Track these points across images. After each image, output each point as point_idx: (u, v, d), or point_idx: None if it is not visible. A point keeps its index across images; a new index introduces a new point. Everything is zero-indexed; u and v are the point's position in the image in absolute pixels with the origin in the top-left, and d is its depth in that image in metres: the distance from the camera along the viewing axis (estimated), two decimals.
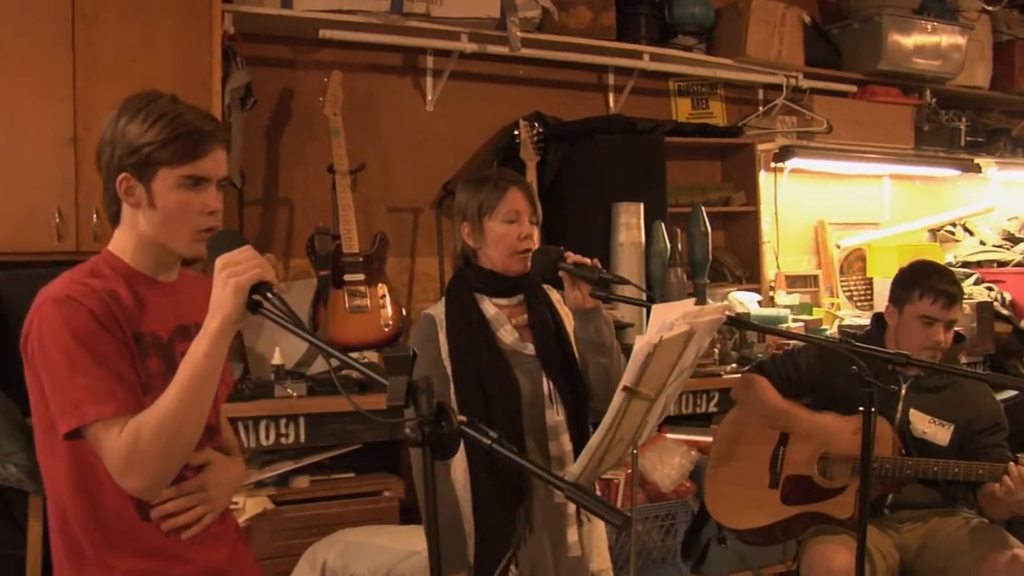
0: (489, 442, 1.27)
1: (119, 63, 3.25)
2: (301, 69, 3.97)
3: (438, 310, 2.46)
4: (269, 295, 1.61)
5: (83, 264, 1.83)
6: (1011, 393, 3.85)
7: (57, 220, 3.16)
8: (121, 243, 1.85)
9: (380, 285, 3.70)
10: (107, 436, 1.63)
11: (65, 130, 3.18)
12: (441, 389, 2.36)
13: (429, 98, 4.21)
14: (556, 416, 2.38)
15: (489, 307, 2.44)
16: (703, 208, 4.20)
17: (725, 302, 4.16)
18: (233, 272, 1.61)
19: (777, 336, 3.07)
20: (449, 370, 2.37)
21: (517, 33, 3.90)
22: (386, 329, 3.65)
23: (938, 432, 2.92)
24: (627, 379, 1.73)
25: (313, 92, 3.88)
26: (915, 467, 2.78)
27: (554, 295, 2.59)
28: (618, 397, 1.74)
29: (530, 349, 2.42)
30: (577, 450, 2.35)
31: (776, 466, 2.97)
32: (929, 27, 4.94)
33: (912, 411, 2.93)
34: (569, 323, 2.54)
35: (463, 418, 1.31)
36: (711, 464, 3.12)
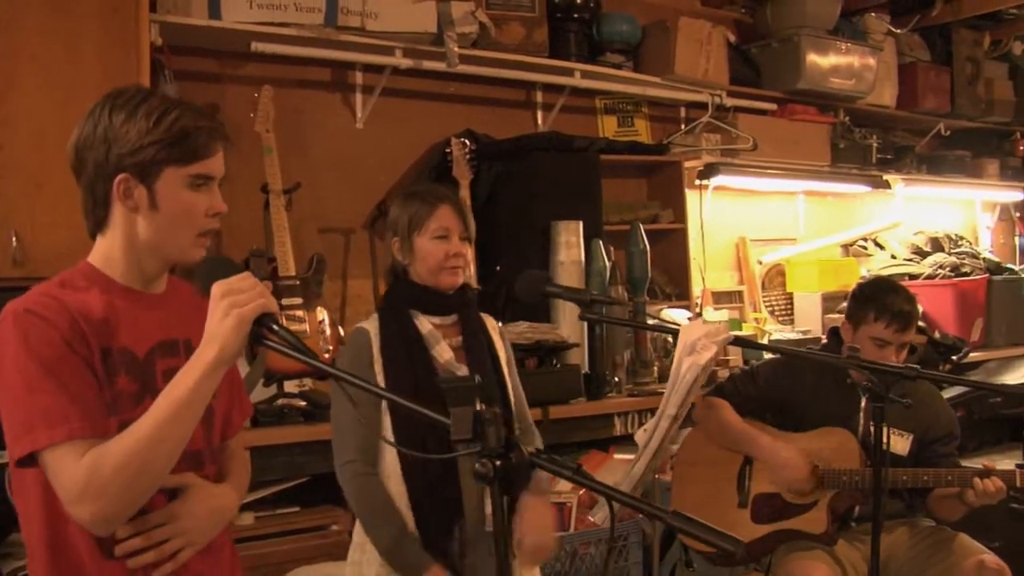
0: (570, 473, 1.17)
1: (39, 74, 3.00)
2: (228, 83, 3.78)
3: (372, 324, 2.40)
4: (275, 327, 1.50)
5: (56, 276, 1.67)
6: (957, 391, 3.95)
7: None
8: (104, 252, 1.70)
9: (319, 309, 3.54)
10: (61, 462, 1.49)
11: None
12: (373, 408, 2.28)
13: (359, 115, 4.08)
14: None
15: (424, 323, 2.39)
16: (640, 226, 4.18)
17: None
18: (235, 302, 1.49)
19: (776, 352, 3.05)
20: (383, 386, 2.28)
21: (455, 48, 3.81)
22: (326, 355, 3.50)
23: (898, 442, 2.95)
24: (675, 406, 1.66)
25: (241, 107, 3.70)
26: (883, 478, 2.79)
27: (490, 322, 2.57)
28: (666, 422, 1.67)
29: (464, 371, 2.36)
30: None
31: (744, 484, 2.95)
32: (844, 47, 5.07)
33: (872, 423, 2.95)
34: (502, 352, 2.53)
35: (532, 449, 1.20)
36: (675, 485, 3.07)
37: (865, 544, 2.94)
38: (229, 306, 1.49)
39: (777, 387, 3.03)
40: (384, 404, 2.29)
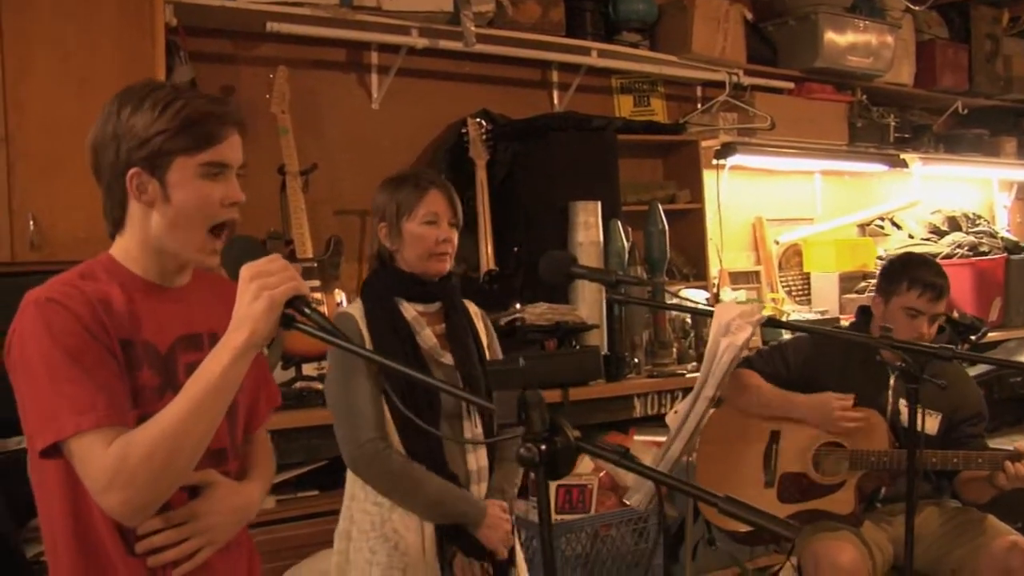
0: (617, 457, 1.15)
1: (53, 57, 2.98)
2: (243, 65, 3.74)
3: (355, 309, 2.37)
4: (306, 309, 1.45)
5: (75, 267, 1.63)
6: (977, 371, 3.91)
7: None
8: (124, 249, 1.65)
9: (336, 291, 3.52)
10: (89, 450, 1.45)
11: None
12: (374, 392, 2.27)
13: (375, 95, 4.04)
14: (475, 428, 2.35)
15: (408, 309, 2.36)
16: (659, 206, 4.14)
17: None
18: (265, 284, 1.44)
19: (810, 333, 3.01)
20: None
21: (471, 28, 3.76)
22: None
23: (928, 422, 2.91)
24: (713, 387, 1.63)
25: (256, 89, 3.67)
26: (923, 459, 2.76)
27: (472, 308, 2.54)
28: (703, 403, 1.64)
29: (448, 358, 2.36)
30: (491, 466, 2.39)
31: (771, 464, 2.92)
32: (861, 25, 5.00)
33: (901, 401, 2.92)
34: (485, 338, 2.51)
35: (578, 433, 1.17)
36: (700, 464, 3.05)
37: (891, 525, 2.92)
38: (259, 288, 1.44)
39: (805, 366, 3.01)
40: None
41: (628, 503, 2.03)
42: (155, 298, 1.64)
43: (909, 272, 2.90)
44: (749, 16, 4.78)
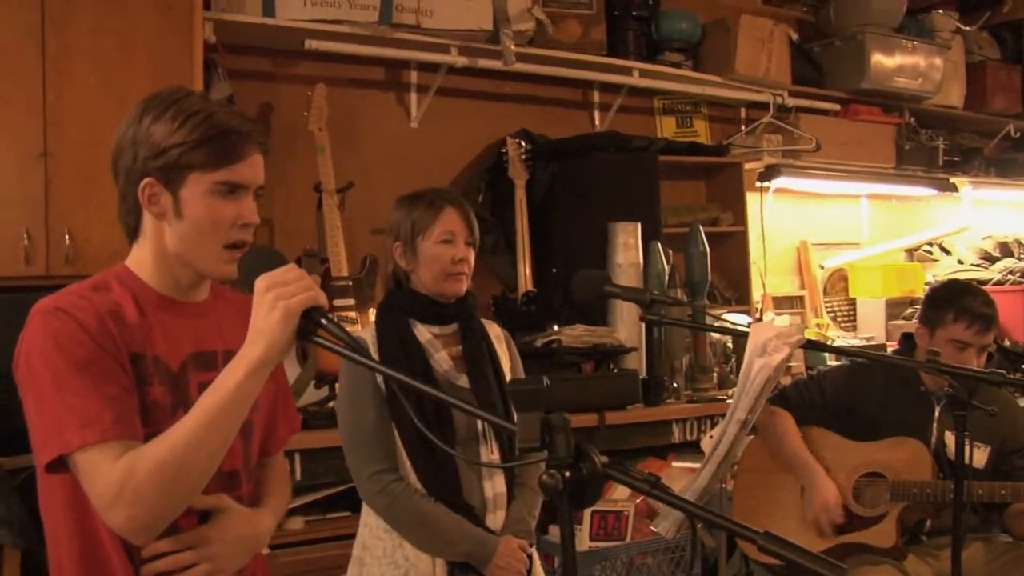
0: (647, 486, 1.09)
1: (94, 72, 2.99)
2: (281, 83, 3.75)
3: (367, 333, 2.32)
4: (324, 320, 1.39)
5: (90, 278, 1.58)
6: None
7: (25, 242, 2.88)
8: (138, 259, 1.60)
9: (371, 311, 3.49)
10: (94, 464, 1.39)
11: (34, 144, 2.90)
12: (382, 419, 2.23)
13: (414, 114, 4.03)
14: (491, 454, 2.28)
15: (423, 332, 2.31)
16: (700, 228, 4.07)
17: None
18: (281, 294, 1.37)
19: (848, 356, 2.93)
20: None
21: (511, 46, 3.73)
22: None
23: (976, 454, 2.80)
24: (745, 410, 1.57)
25: (294, 107, 3.67)
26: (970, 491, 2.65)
27: (493, 330, 2.47)
28: (735, 427, 1.58)
29: (464, 381, 2.29)
30: (510, 492, 2.32)
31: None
32: (909, 46, 4.91)
33: (947, 433, 2.82)
34: (506, 361, 2.44)
35: (606, 458, 1.12)
36: (737, 493, 2.96)
37: (937, 560, 2.81)
38: (275, 299, 1.37)
39: (844, 394, 2.91)
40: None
41: (655, 530, 1.96)
42: (169, 312, 1.59)
43: (956, 302, 2.78)
44: (795, 36, 4.71)
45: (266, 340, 1.38)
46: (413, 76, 4.00)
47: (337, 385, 3.38)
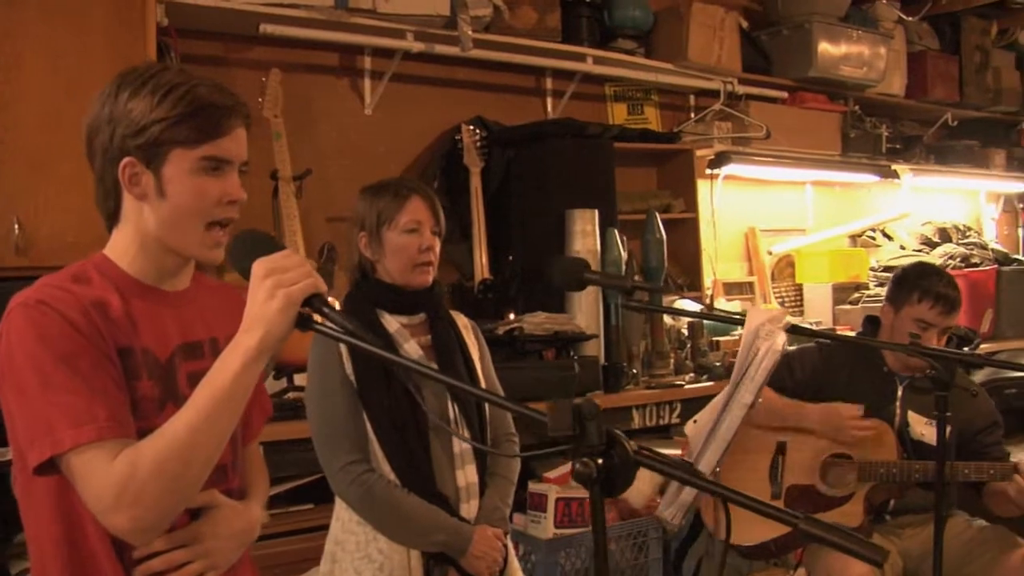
0: (683, 474, 1.08)
1: (43, 57, 2.89)
2: (235, 67, 3.66)
3: None
4: (325, 309, 1.35)
5: (66, 268, 1.50)
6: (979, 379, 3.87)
7: None
8: (118, 245, 1.54)
9: (330, 299, 3.43)
10: (90, 466, 1.33)
11: None
12: (353, 410, 2.22)
13: (367, 101, 3.97)
14: (463, 444, 2.28)
15: (391, 322, 2.30)
16: (656, 214, 4.09)
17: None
18: (280, 281, 1.33)
19: (831, 340, 2.96)
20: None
21: (469, 32, 3.70)
22: None
23: (934, 433, 2.86)
24: (752, 392, 1.57)
25: (248, 92, 3.53)
26: (923, 470, 2.71)
27: (460, 320, 2.48)
28: (740, 411, 1.58)
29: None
30: (482, 481, 2.32)
31: (776, 476, 2.87)
32: (855, 36, 4.99)
33: (910, 413, 2.87)
34: (475, 350, 2.44)
35: (635, 446, 1.10)
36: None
37: (900, 538, 2.87)
38: (274, 286, 1.32)
39: (812, 376, 2.96)
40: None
41: (659, 516, 1.96)
42: (153, 303, 1.53)
43: (922, 283, 2.84)
44: (744, 24, 4.75)
45: (264, 328, 1.33)
46: (367, 62, 3.94)
47: (303, 376, 3.37)
